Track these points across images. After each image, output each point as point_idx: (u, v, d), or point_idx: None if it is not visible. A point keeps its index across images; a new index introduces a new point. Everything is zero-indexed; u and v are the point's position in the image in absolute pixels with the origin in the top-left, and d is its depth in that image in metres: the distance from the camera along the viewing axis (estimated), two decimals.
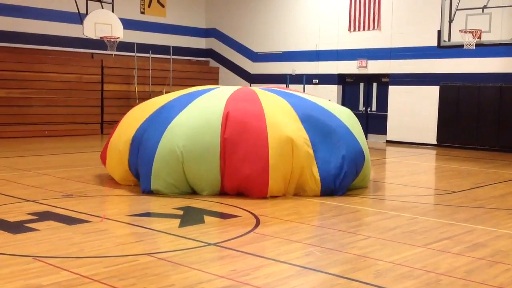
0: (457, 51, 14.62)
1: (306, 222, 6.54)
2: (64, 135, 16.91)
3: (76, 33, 16.74)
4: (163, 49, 19.69)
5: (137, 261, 4.80)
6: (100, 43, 16.42)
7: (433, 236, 5.89)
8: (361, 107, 18.09)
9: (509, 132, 14.82)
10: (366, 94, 18.08)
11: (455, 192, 8.72)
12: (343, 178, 7.97)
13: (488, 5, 13.32)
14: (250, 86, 18.88)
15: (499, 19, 14.29)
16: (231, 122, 7.89)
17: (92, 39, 16.05)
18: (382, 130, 17.42)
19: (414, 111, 16.58)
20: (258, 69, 20.27)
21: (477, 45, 13.20)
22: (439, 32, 13.78)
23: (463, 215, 6.98)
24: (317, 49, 18.56)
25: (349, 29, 17.77)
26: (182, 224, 6.19)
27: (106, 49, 16.01)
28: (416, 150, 15.34)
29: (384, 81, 17.53)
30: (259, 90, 9.05)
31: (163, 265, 4.73)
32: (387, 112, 17.30)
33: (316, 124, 8.24)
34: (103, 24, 15.47)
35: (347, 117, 8.81)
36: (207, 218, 6.53)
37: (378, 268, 4.74)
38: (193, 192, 7.90)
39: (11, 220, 6.25)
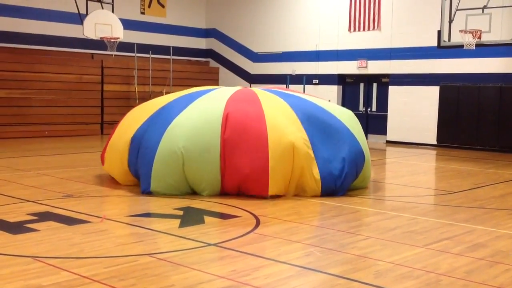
0: (457, 51, 14.61)
1: (306, 222, 6.54)
2: (64, 135, 16.91)
3: (76, 33, 16.74)
4: (163, 50, 19.69)
5: (137, 261, 4.80)
6: (100, 44, 16.42)
7: (433, 236, 5.89)
8: (361, 108, 18.09)
9: (509, 133, 14.82)
10: (366, 95, 18.08)
11: (455, 192, 8.72)
12: (343, 179, 7.97)
13: (488, 5, 13.31)
14: (250, 86, 18.89)
15: (499, 19, 14.29)
16: (231, 124, 7.89)
17: (92, 40, 16.05)
18: (382, 131, 17.42)
19: (414, 112, 16.58)
20: (258, 69, 20.27)
21: (477, 45, 13.20)
22: (439, 32, 13.78)
23: (463, 216, 6.97)
24: (317, 50, 18.56)
25: (349, 29, 17.77)
26: (182, 225, 6.19)
27: (106, 50, 16.01)
28: (416, 150, 15.34)
29: (384, 81, 17.53)
30: (259, 90, 9.05)
31: (163, 265, 4.73)
32: (387, 112, 17.30)
33: (316, 125, 8.24)
34: (103, 25, 15.47)
35: (348, 118, 8.81)
36: (207, 219, 6.52)
37: (378, 269, 4.74)
38: (193, 193, 7.91)
39: (11, 220, 6.25)
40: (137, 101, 17.70)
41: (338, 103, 17.83)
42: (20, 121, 16.33)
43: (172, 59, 19.60)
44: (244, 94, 8.74)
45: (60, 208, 6.87)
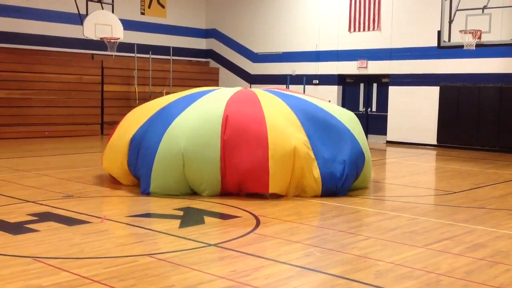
0: (457, 51, 14.62)
1: (307, 222, 6.54)
2: (64, 136, 16.91)
3: (76, 34, 16.74)
4: (163, 50, 19.69)
5: (137, 261, 4.80)
6: (100, 44, 16.43)
7: (433, 236, 5.89)
8: (361, 108, 18.09)
9: (509, 133, 14.82)
10: (366, 95, 18.08)
11: (455, 192, 8.72)
12: (344, 180, 7.96)
13: (488, 6, 13.31)
14: (250, 87, 18.92)
15: (499, 20, 14.29)
16: (231, 125, 7.90)
17: (92, 40, 16.05)
18: (382, 131, 17.42)
19: (414, 112, 16.58)
20: (258, 69, 20.27)
21: (477, 45, 13.19)
22: (439, 32, 13.78)
23: (463, 216, 6.97)
24: (317, 50, 18.57)
25: (349, 30, 17.77)
26: (182, 225, 6.19)
27: (106, 50, 16.01)
28: (416, 150, 15.33)
29: (384, 81, 17.53)
30: (259, 91, 9.06)
31: (163, 265, 4.73)
32: (387, 112, 17.30)
33: (317, 126, 8.24)
34: (103, 25, 15.47)
35: (348, 119, 8.81)
36: (207, 219, 6.53)
37: (379, 269, 4.74)
38: (193, 193, 7.91)
39: (11, 221, 6.26)
40: (137, 101, 17.70)
41: (338, 104, 17.84)
42: (20, 122, 16.33)
43: (172, 59, 19.60)
44: (244, 95, 8.75)
45: (60, 209, 6.87)
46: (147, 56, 18.92)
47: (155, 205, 7.38)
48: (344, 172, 7.97)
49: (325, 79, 18.48)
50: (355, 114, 9.61)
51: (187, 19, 20.91)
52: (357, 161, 8.25)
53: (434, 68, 16.13)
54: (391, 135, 17.16)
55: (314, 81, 18.59)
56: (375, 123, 17.74)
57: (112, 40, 15.64)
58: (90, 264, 4.70)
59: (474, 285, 4.38)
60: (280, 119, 8.14)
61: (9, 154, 12.61)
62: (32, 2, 16.83)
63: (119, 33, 15.76)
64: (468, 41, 13.10)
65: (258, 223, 6.34)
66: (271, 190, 7.68)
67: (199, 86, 10.88)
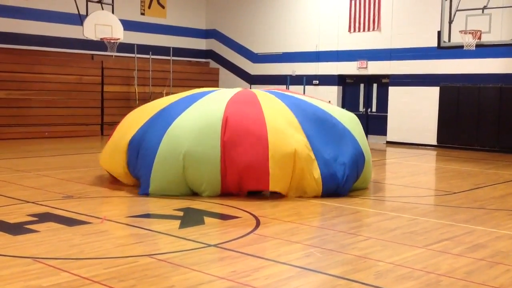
0: (457, 51, 14.62)
1: (307, 223, 6.54)
2: (64, 136, 16.90)
3: (76, 34, 16.73)
4: (163, 50, 19.70)
5: (137, 262, 4.79)
6: (100, 44, 16.42)
7: (433, 237, 5.89)
8: (361, 108, 18.09)
9: (509, 133, 14.82)
10: (366, 95, 18.08)
11: (455, 193, 8.72)
12: (344, 181, 7.96)
13: (488, 6, 13.31)
14: (250, 87, 18.92)
15: (499, 20, 14.29)
16: (231, 126, 7.90)
17: (92, 40, 16.04)
18: (382, 131, 17.42)
19: (414, 112, 16.58)
20: (258, 70, 20.27)
21: (477, 45, 13.19)
22: (439, 32, 13.78)
23: (463, 216, 6.97)
24: (317, 50, 18.57)
25: (349, 30, 17.77)
26: (182, 225, 6.19)
27: (106, 50, 16.01)
28: (416, 151, 15.33)
29: (384, 82, 17.53)
30: (259, 92, 9.05)
31: (163, 266, 4.72)
32: (387, 113, 17.30)
33: (317, 127, 8.24)
34: (103, 25, 15.46)
35: (348, 120, 8.81)
36: (207, 219, 6.52)
37: (379, 269, 4.73)
38: (192, 194, 7.90)
39: (11, 221, 6.25)
40: (137, 102, 17.71)
41: (338, 104, 17.85)
42: (20, 122, 16.33)
43: (172, 60, 19.60)
44: (244, 96, 8.75)
45: (60, 209, 6.87)
46: (147, 56, 18.92)
47: (155, 205, 7.38)
48: (345, 173, 7.97)
49: (325, 80, 18.48)
50: (355, 114, 9.60)
51: (187, 20, 20.91)
52: (358, 162, 8.25)
53: (434, 68, 16.13)
54: (391, 136, 17.16)
55: (314, 82, 18.59)
56: (375, 123, 17.74)
57: (112, 41, 15.64)
58: (90, 265, 4.70)
59: (474, 285, 4.38)
60: (280, 120, 8.14)
61: (9, 154, 12.61)
62: (32, 3, 16.83)
63: (119, 34, 15.76)
64: (468, 41, 13.10)
65: (258, 223, 6.34)
66: (272, 188, 7.68)
67: (199, 87, 10.87)
